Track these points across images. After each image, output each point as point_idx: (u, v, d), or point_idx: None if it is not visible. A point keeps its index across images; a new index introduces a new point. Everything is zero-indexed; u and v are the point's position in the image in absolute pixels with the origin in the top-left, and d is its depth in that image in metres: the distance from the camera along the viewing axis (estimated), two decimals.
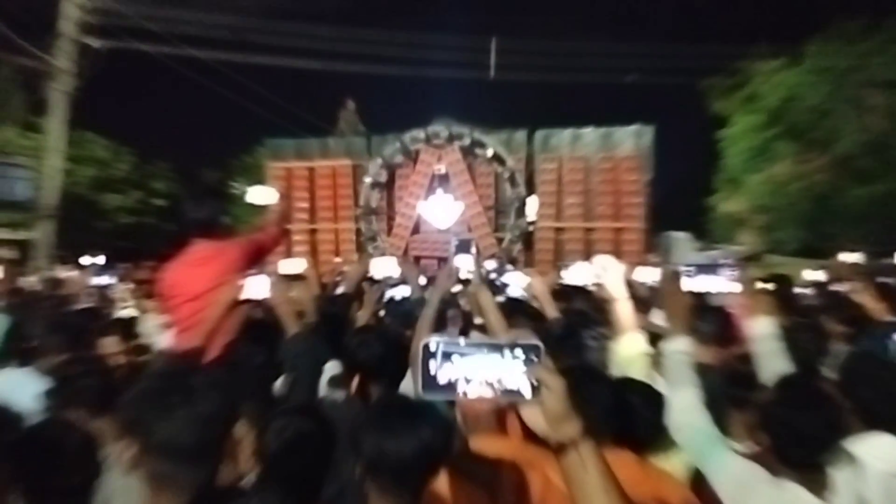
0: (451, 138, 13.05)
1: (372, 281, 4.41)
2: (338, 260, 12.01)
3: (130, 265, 8.41)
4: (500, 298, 4.51)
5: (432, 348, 1.24)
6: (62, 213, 17.78)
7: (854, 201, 19.05)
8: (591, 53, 19.65)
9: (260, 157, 17.68)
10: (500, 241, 12.93)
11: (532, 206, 12.88)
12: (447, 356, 1.23)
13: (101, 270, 6.76)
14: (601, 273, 3.29)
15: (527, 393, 1.22)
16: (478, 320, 3.49)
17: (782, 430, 1.99)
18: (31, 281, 8.40)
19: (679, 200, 22.47)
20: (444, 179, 13.21)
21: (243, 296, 3.05)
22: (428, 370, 1.24)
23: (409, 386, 2.57)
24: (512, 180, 12.83)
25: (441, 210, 13.16)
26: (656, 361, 2.69)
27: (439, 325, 3.06)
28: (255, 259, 3.56)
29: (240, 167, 26.01)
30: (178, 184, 27.02)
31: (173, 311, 3.50)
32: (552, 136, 13.03)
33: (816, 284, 8.14)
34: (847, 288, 5.15)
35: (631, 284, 3.82)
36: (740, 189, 21.89)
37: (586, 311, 4.42)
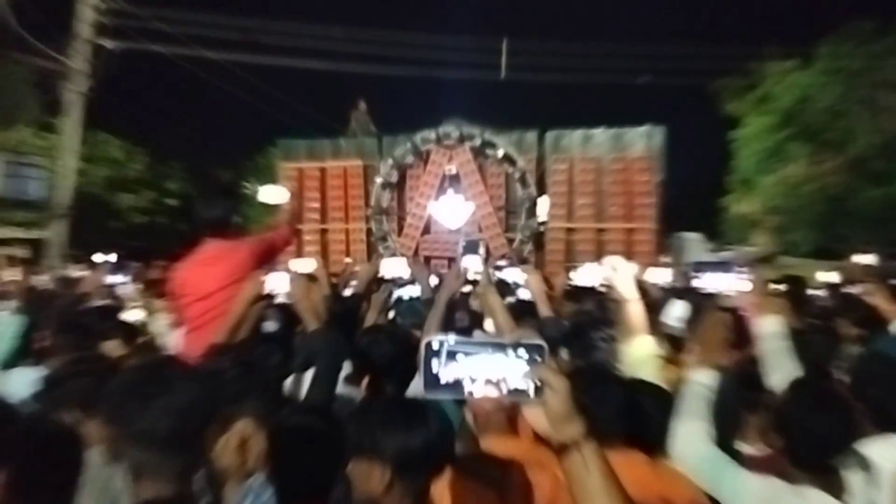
0: (462, 139, 13.03)
1: (380, 281, 4.41)
2: (348, 260, 12.03)
3: (141, 265, 8.46)
4: (511, 299, 4.51)
5: (435, 347, 1.23)
6: (76, 212, 17.93)
7: (868, 203, 18.91)
8: (602, 54, 19.63)
9: (272, 158, 17.75)
10: (510, 241, 12.90)
11: (543, 206, 12.84)
12: (451, 355, 1.22)
13: (114, 269, 6.79)
14: (612, 274, 3.28)
15: (531, 392, 1.21)
16: (488, 321, 3.49)
17: (796, 431, 1.97)
18: (44, 280, 8.47)
19: (691, 201, 22.42)
20: (454, 180, 13.20)
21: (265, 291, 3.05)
22: (430, 369, 1.23)
23: (418, 385, 2.56)
24: (523, 181, 12.80)
25: (452, 210, 13.15)
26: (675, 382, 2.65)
27: (448, 326, 3.06)
28: (266, 258, 3.57)
29: (252, 167, 26.13)
30: (190, 184, 27.18)
31: (183, 310, 3.52)
32: (563, 137, 12.98)
33: (829, 286, 8.07)
34: (860, 290, 5.10)
35: (642, 285, 3.81)
36: (753, 190, 21.77)
37: (595, 311, 4.41)
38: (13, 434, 1.81)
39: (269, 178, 16.71)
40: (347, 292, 4.88)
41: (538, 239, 12.90)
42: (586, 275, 5.54)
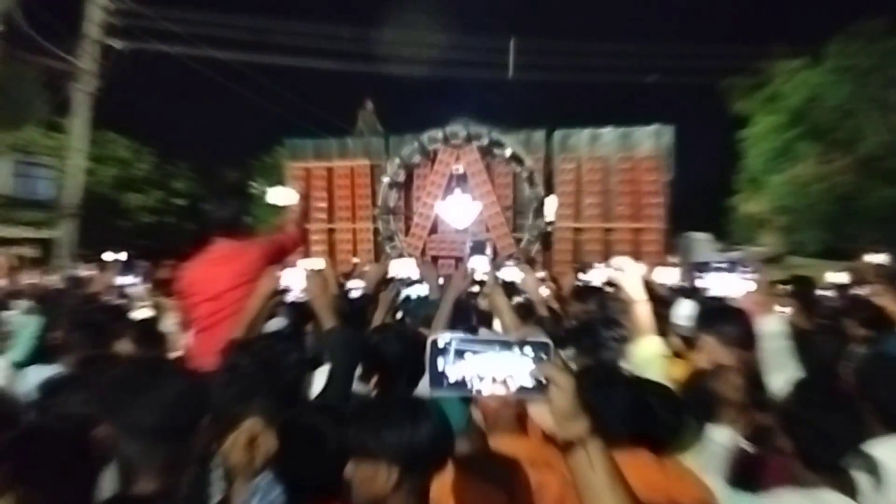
0: (470, 138, 13.05)
1: (388, 281, 4.43)
2: (356, 260, 12.06)
3: (150, 264, 8.51)
4: (519, 299, 4.52)
5: (440, 345, 1.23)
6: (84, 212, 18.02)
7: (877, 202, 18.81)
8: (610, 53, 19.59)
9: (279, 158, 17.82)
10: (518, 241, 12.91)
11: (550, 206, 12.84)
12: (459, 354, 1.22)
13: (123, 269, 6.83)
14: (619, 275, 3.29)
15: (538, 390, 1.21)
16: (496, 321, 3.50)
17: (805, 431, 1.96)
18: (53, 279, 8.54)
19: (699, 201, 22.33)
20: (461, 179, 13.22)
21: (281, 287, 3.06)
22: (436, 367, 1.23)
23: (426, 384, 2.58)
24: (530, 180, 12.81)
25: (459, 210, 13.16)
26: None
27: (455, 326, 3.08)
28: (276, 260, 3.58)
29: (259, 167, 26.21)
30: (198, 183, 27.28)
31: (192, 310, 3.52)
32: (571, 136, 12.99)
33: (838, 287, 8.04)
34: (867, 290, 5.09)
35: (650, 285, 3.82)
36: (762, 190, 21.69)
37: (598, 310, 4.42)
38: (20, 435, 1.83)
39: (277, 177, 16.77)
40: (350, 289, 4.92)
41: (546, 238, 12.91)
42: (595, 275, 5.55)
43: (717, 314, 3.19)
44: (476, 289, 4.71)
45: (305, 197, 12.19)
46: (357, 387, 2.84)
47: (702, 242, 13.04)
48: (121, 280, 6.41)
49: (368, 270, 4.93)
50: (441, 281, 4.99)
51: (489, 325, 4.10)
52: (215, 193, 3.83)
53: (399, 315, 4.44)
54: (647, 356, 2.97)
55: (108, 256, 11.07)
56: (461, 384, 1.22)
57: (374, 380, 2.82)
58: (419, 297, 4.64)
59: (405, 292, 4.74)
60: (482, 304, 4.65)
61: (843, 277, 8.72)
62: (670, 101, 19.20)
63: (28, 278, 8.21)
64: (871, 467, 1.98)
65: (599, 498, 1.19)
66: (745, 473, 2.27)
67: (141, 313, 5.73)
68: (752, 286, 3.33)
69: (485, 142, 13.00)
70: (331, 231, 13.80)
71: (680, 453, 2.27)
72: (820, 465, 1.94)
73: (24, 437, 1.82)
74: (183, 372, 1.53)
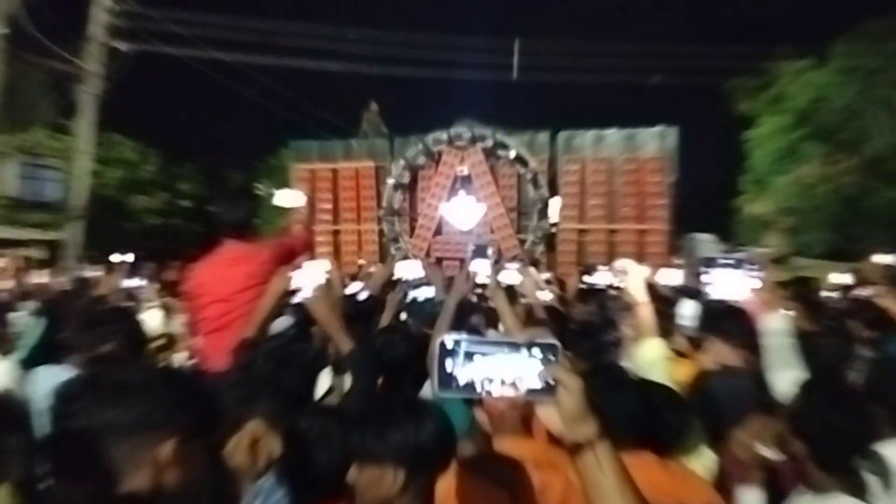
0: (474, 140, 13.05)
1: (395, 282, 4.45)
2: (362, 262, 12.07)
3: (156, 265, 8.55)
4: (524, 302, 4.53)
5: (449, 346, 1.22)
6: (91, 213, 18.09)
7: (883, 203, 18.75)
8: (614, 54, 19.60)
9: (284, 159, 17.84)
10: (522, 242, 12.91)
11: (555, 207, 12.83)
12: (469, 356, 1.22)
13: (130, 271, 6.86)
14: (622, 277, 3.30)
15: (546, 392, 1.21)
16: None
17: (818, 431, 1.93)
18: (60, 281, 8.58)
19: (704, 202, 22.28)
20: (466, 181, 13.22)
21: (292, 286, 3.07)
22: (444, 368, 1.22)
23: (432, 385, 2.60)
24: (535, 182, 12.81)
25: (463, 211, 13.16)
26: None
27: (459, 328, 3.09)
28: (286, 262, 3.59)
29: (264, 169, 26.26)
30: (203, 185, 27.35)
31: (200, 311, 3.53)
32: (575, 138, 12.98)
33: (842, 288, 8.03)
34: (871, 292, 5.09)
35: (654, 287, 3.83)
36: (767, 191, 21.65)
37: (602, 313, 4.43)
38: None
39: (282, 179, 16.80)
40: (355, 289, 4.93)
41: (550, 240, 12.90)
42: (599, 278, 5.57)
43: (723, 315, 3.20)
44: (479, 291, 4.72)
45: (309, 199, 12.24)
46: None
47: (706, 244, 13.00)
48: (127, 282, 6.44)
49: (374, 272, 4.94)
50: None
51: (495, 326, 4.11)
52: (225, 195, 3.84)
53: (403, 316, 4.45)
54: (651, 358, 2.98)
55: (114, 258, 11.12)
56: (470, 386, 1.22)
57: (380, 381, 2.84)
58: (426, 299, 4.66)
59: (412, 294, 4.76)
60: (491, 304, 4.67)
61: (847, 279, 8.70)
62: (675, 102, 19.19)
63: (37, 277, 8.26)
64: (882, 468, 1.98)
65: (608, 500, 1.20)
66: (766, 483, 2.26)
67: (150, 314, 5.78)
68: (758, 283, 3.33)
69: (489, 143, 13.00)
70: (336, 232, 13.82)
71: (684, 455, 2.28)
72: (834, 464, 1.92)
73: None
74: (159, 369, 1.51)
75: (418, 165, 13.50)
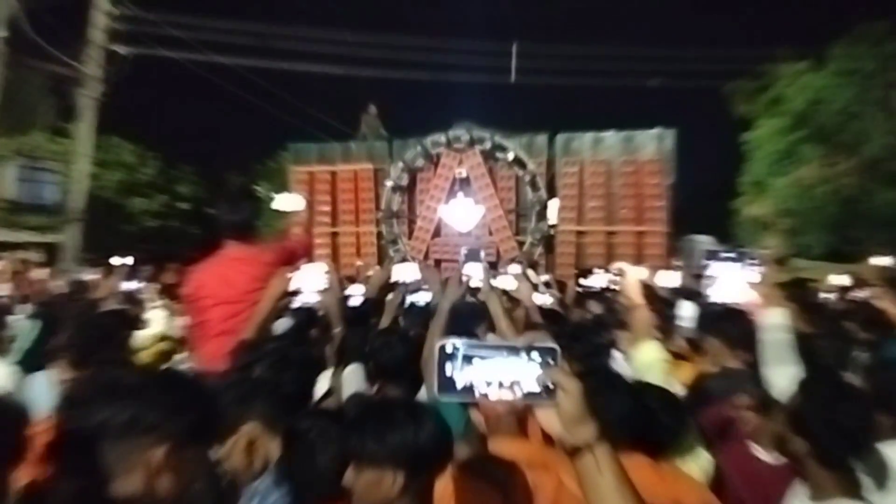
0: (473, 142, 13.06)
1: (393, 285, 4.44)
2: (359, 263, 12.07)
3: (154, 267, 8.55)
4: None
5: (448, 350, 1.23)
6: (89, 216, 18.08)
7: (882, 205, 18.77)
8: (612, 57, 19.64)
9: (283, 161, 17.84)
10: (521, 244, 12.91)
11: (553, 209, 12.83)
12: (468, 359, 1.22)
13: (129, 274, 6.86)
14: (619, 280, 3.31)
15: (545, 395, 1.22)
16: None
17: (819, 427, 1.93)
18: (58, 284, 8.57)
19: (702, 204, 22.32)
20: (465, 183, 13.22)
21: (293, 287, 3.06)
22: (444, 372, 1.23)
23: (430, 388, 2.60)
24: (533, 184, 12.81)
25: (462, 213, 13.16)
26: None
27: (452, 332, 3.09)
28: (287, 265, 3.57)
29: (263, 171, 26.28)
30: (202, 188, 27.37)
31: (201, 313, 3.48)
32: (573, 140, 12.98)
33: (840, 289, 8.04)
34: (868, 294, 5.09)
35: (651, 289, 3.83)
36: (765, 192, 21.67)
37: (598, 316, 4.43)
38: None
39: (281, 181, 16.80)
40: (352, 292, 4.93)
41: (548, 242, 12.90)
42: (596, 280, 5.57)
43: (721, 316, 3.20)
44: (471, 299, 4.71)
45: (310, 204, 12.24)
46: (363, 388, 2.87)
47: (705, 245, 13.02)
48: (126, 284, 6.44)
49: (372, 275, 4.95)
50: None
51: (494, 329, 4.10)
52: (227, 197, 3.79)
53: (400, 320, 4.45)
54: (648, 360, 2.99)
55: (113, 261, 11.13)
56: (469, 389, 1.22)
57: (377, 383, 2.85)
58: (427, 304, 4.64)
59: (410, 299, 4.76)
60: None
61: (844, 280, 8.71)
62: (673, 105, 19.18)
63: (35, 275, 8.25)
64: (880, 467, 1.98)
65: (607, 502, 1.20)
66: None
67: (154, 314, 5.79)
68: (757, 278, 3.33)
69: (487, 146, 13.00)
70: (334, 234, 13.81)
71: (680, 457, 2.29)
72: (835, 460, 1.91)
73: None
74: (160, 373, 1.50)
75: (417, 168, 13.51)
